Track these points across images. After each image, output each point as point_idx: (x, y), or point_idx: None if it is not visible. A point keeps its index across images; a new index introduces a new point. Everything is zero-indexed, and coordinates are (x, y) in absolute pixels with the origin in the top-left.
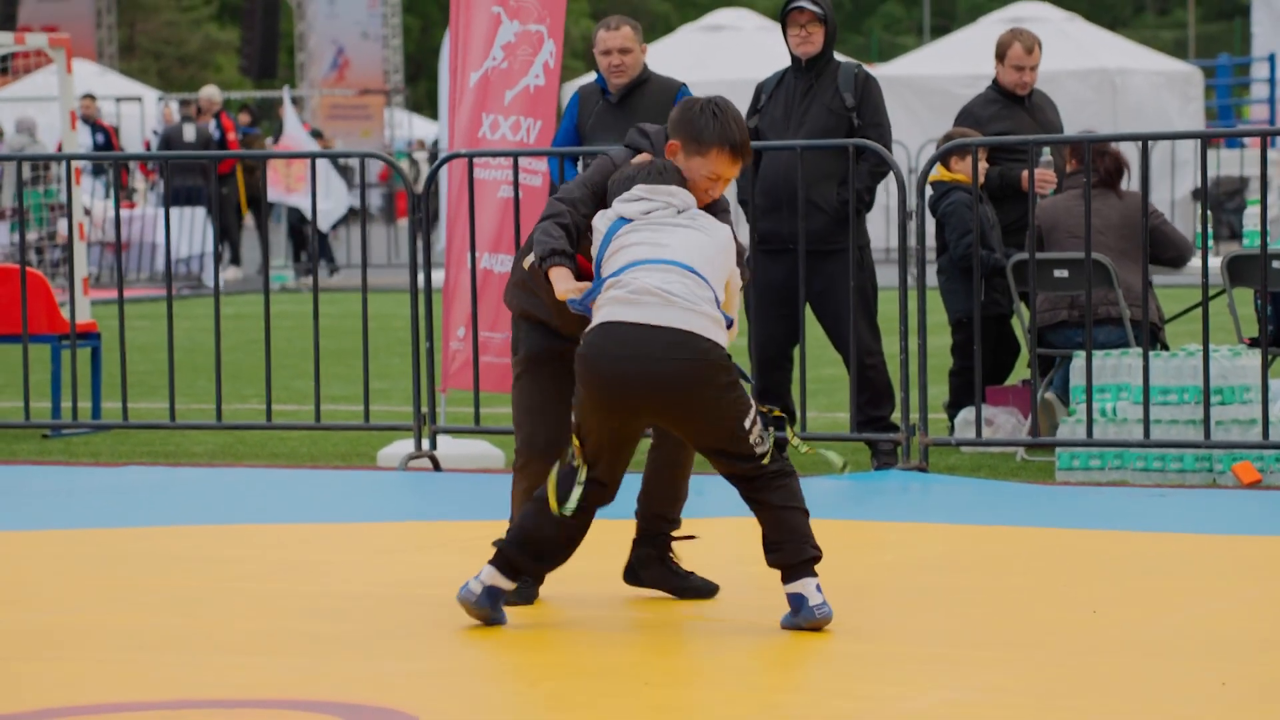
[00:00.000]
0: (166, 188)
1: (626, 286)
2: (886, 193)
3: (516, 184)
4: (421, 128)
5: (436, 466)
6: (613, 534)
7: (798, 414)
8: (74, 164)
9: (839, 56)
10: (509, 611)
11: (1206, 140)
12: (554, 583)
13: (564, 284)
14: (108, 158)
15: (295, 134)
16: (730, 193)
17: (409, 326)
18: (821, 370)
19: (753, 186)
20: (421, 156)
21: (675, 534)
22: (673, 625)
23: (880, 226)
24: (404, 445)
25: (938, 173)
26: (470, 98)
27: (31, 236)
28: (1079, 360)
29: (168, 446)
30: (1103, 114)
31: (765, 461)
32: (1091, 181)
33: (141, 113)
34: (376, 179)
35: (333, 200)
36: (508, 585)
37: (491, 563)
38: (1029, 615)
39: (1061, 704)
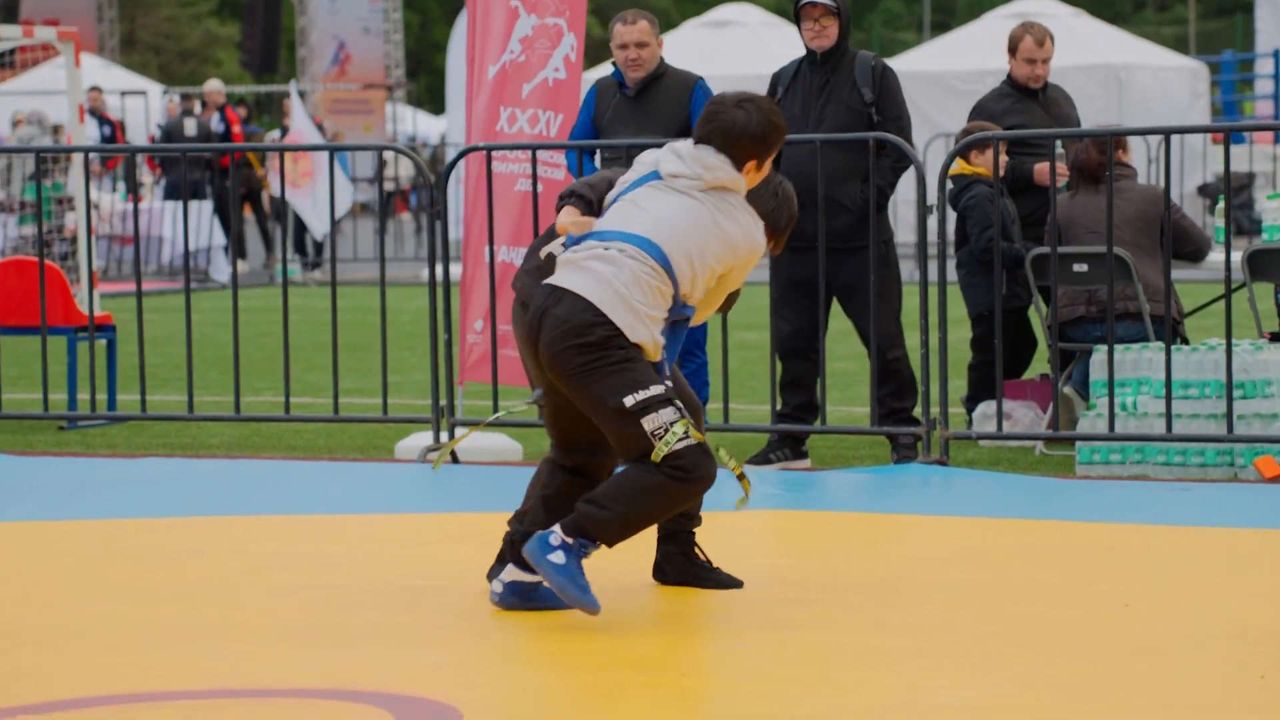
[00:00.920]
0: (184, 182)
1: (578, 251)
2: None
3: (535, 177)
4: (424, 123)
5: (454, 459)
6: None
7: (820, 406)
8: (90, 157)
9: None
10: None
11: (1228, 135)
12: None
13: (568, 216)
14: (124, 150)
15: (304, 129)
16: None
17: (417, 320)
18: (836, 364)
19: None
20: (425, 154)
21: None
22: (701, 617)
23: (903, 220)
24: (422, 438)
25: (957, 166)
26: (488, 91)
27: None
28: (1098, 355)
29: (184, 438)
30: (1109, 109)
31: (655, 457)
32: (1071, 180)
33: (146, 106)
34: (373, 173)
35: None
36: (531, 579)
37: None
38: (1056, 609)
39: (1094, 700)
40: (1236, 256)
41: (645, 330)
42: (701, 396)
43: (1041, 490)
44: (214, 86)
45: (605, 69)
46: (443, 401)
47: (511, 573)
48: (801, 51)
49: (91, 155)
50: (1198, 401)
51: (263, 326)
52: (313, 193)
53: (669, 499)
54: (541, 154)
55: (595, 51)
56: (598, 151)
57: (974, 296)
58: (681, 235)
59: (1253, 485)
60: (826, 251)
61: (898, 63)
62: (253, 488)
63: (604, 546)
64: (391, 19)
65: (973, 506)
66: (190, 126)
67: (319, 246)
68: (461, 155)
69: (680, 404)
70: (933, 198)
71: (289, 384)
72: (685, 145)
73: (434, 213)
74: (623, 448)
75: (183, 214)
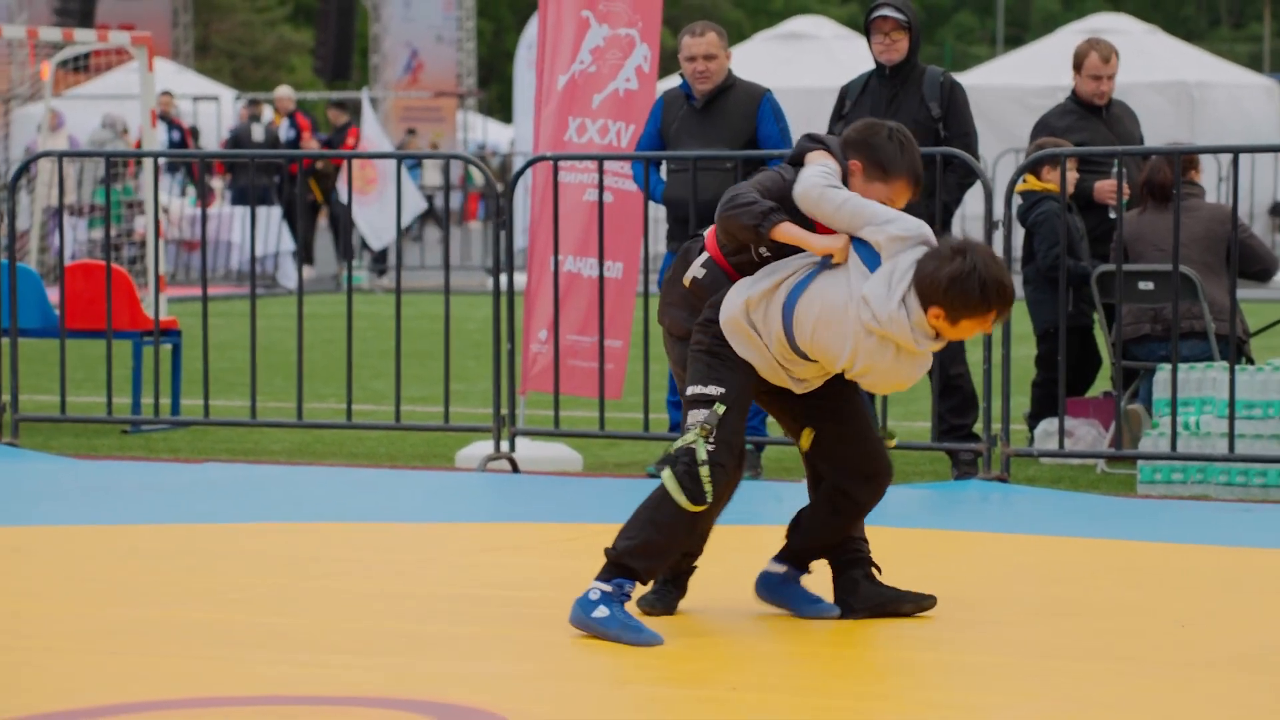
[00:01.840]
0: (248, 188)
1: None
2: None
3: (601, 186)
4: (495, 131)
5: (515, 468)
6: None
7: (879, 420)
8: (159, 161)
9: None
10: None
11: None
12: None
13: (825, 240)
14: (195, 155)
15: (373, 136)
16: None
17: (484, 329)
18: None
19: None
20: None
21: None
22: (757, 632)
23: (970, 236)
24: (483, 446)
25: (1026, 183)
26: (556, 101)
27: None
28: (1162, 373)
29: (246, 444)
30: (1180, 127)
31: (671, 448)
32: (1141, 195)
33: (218, 112)
34: (456, 181)
35: (406, 204)
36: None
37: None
38: (1118, 627)
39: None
40: None
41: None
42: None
43: (1102, 509)
44: (284, 93)
45: (676, 80)
46: (504, 410)
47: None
48: (871, 65)
49: (160, 160)
50: (1261, 422)
51: (329, 333)
52: (379, 201)
53: (671, 506)
54: (611, 164)
55: (667, 63)
56: (664, 162)
57: (1040, 313)
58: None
59: None
60: None
61: (969, 77)
62: (315, 495)
63: (639, 583)
64: (465, 27)
65: (1032, 524)
66: (258, 132)
67: (383, 254)
68: (528, 165)
69: (728, 409)
70: (999, 213)
71: (351, 391)
72: (902, 288)
73: (499, 222)
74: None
75: (250, 219)
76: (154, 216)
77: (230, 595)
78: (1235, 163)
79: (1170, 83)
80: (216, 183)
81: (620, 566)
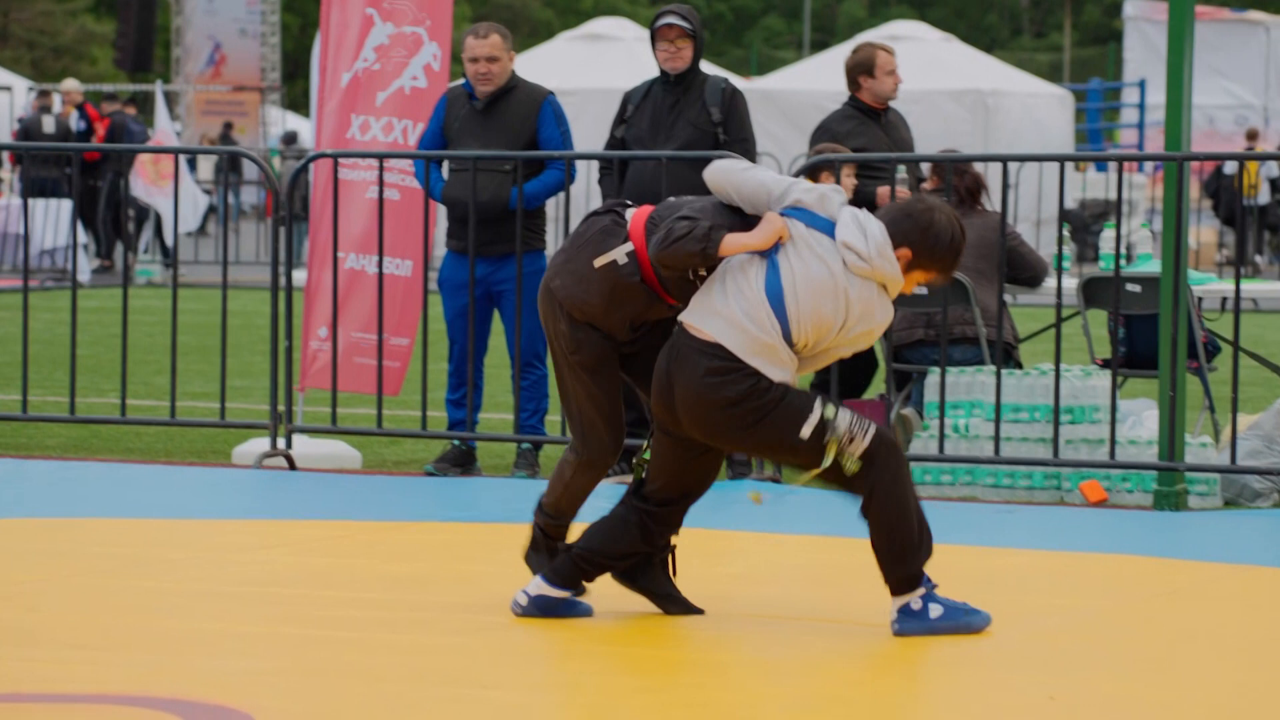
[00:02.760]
0: (38, 180)
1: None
2: None
3: (382, 184)
4: (298, 125)
5: (292, 465)
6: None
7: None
8: None
9: (707, 70)
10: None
11: (1074, 164)
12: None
13: (765, 230)
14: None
15: (165, 130)
16: (596, 201)
17: (270, 325)
18: None
19: (618, 197)
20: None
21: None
22: (525, 630)
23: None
24: (260, 443)
25: None
26: (340, 97)
27: None
28: (933, 376)
29: (19, 439)
30: (975, 134)
31: (851, 466)
32: (951, 200)
33: (11, 103)
34: (257, 177)
35: (189, 202)
36: (558, 594)
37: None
38: (861, 624)
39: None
40: (1072, 283)
41: (780, 371)
42: (540, 408)
43: None
44: (71, 85)
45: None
46: (281, 407)
47: (539, 586)
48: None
49: None
50: (1027, 425)
51: (115, 327)
52: (172, 194)
53: (906, 484)
54: (397, 162)
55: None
56: (445, 160)
57: None
58: (798, 292)
59: (1077, 509)
60: None
61: (775, 79)
62: (86, 490)
63: (923, 587)
64: (269, 21)
65: (810, 524)
66: (48, 124)
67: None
68: (307, 161)
69: (832, 404)
70: None
71: (125, 385)
72: (875, 227)
73: (278, 218)
74: (807, 464)
75: (40, 213)
76: None
77: None
78: (1004, 171)
79: (965, 90)
80: (5, 174)
81: (913, 578)
